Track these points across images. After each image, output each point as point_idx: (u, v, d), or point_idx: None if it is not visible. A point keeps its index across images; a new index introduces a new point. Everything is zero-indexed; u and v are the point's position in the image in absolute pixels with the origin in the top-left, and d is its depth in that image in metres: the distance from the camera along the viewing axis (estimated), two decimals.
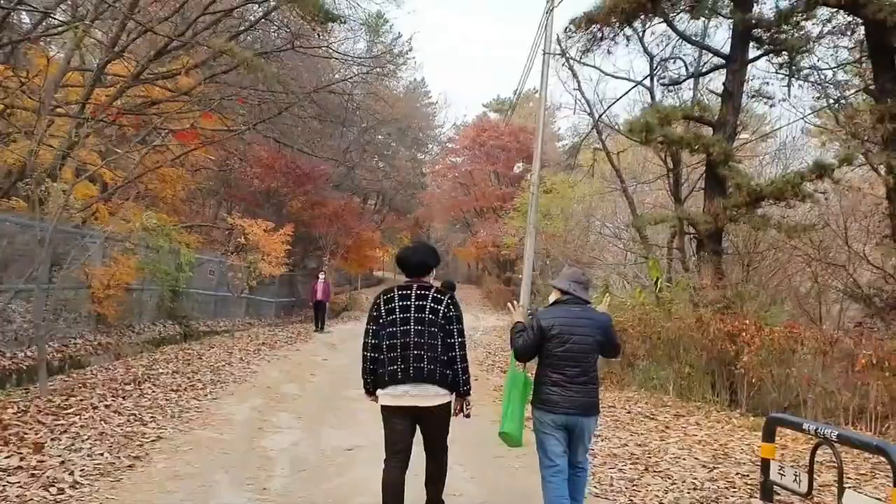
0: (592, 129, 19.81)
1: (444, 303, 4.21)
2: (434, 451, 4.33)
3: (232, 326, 16.57)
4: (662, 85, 14.38)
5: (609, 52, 13.25)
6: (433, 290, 4.27)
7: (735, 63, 12.47)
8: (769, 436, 5.29)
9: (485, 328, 22.44)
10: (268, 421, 7.40)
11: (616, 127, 20.15)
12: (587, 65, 16.97)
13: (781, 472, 5.09)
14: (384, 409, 4.20)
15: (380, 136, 39.05)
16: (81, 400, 7.13)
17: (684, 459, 6.67)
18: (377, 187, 43.39)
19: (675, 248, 17.00)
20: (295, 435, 6.90)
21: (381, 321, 4.23)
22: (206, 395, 8.37)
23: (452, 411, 4.32)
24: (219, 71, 15.67)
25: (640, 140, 12.14)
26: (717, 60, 13.52)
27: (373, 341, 4.24)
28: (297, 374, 11.24)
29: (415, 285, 4.28)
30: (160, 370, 9.84)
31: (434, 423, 4.23)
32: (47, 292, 11.07)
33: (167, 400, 7.77)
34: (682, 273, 14.45)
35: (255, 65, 11.69)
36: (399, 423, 4.17)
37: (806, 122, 18.27)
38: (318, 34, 15.92)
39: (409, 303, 4.19)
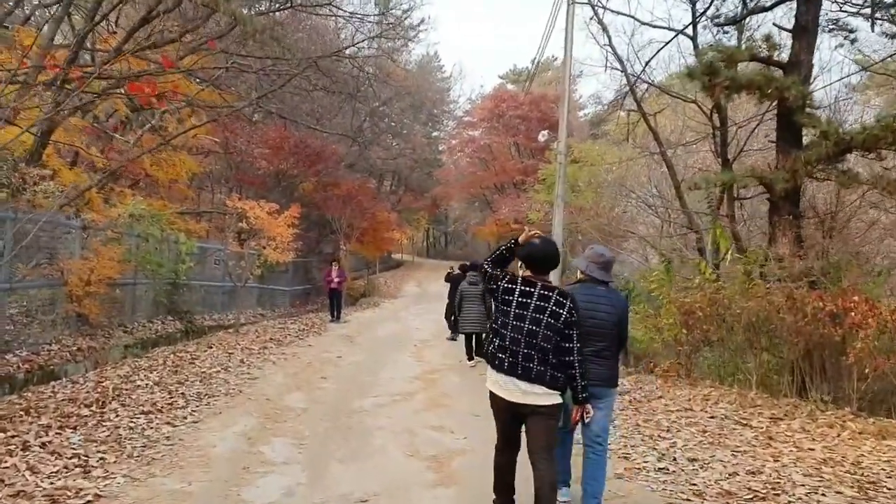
0: (627, 90, 17.82)
1: (567, 307, 4.00)
2: (539, 458, 3.95)
3: (237, 320, 14.90)
4: (717, 25, 12.38)
5: None
6: (556, 293, 4.04)
7: None
8: None
9: None
10: (258, 454, 5.64)
11: (653, 83, 18.19)
12: (621, 13, 15.14)
13: None
14: (490, 394, 4.10)
15: (393, 113, 37.21)
16: (14, 436, 5.42)
17: (823, 495, 4.86)
18: (392, 167, 41.65)
19: (723, 216, 15.20)
20: (291, 476, 5.13)
21: (497, 303, 4.12)
22: (185, 418, 6.62)
23: (571, 417, 4.26)
24: (214, 37, 13.96)
25: (701, 85, 10.20)
26: None
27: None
28: (306, 377, 9.52)
29: (539, 283, 4.07)
30: (138, 382, 8.14)
31: (541, 426, 3.97)
32: (9, 292, 9.55)
33: (131, 428, 6.04)
34: (734, 242, 12.65)
35: (241, 17, 9.91)
36: (506, 418, 4.09)
37: (871, 70, 16.15)
38: None
39: (529, 301, 4.01)
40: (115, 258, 11.27)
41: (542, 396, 3.90)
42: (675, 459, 5.76)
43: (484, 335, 11.68)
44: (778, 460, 5.74)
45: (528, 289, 4.03)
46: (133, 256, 12.46)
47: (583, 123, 39.13)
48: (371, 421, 6.91)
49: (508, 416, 4.03)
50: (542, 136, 22.56)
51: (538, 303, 3.97)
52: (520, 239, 4.20)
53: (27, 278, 10.47)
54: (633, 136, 22.49)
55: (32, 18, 16.21)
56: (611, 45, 17.25)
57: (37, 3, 16.18)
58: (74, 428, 5.84)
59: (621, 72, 17.42)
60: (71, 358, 9.63)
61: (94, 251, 11.08)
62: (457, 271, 15.69)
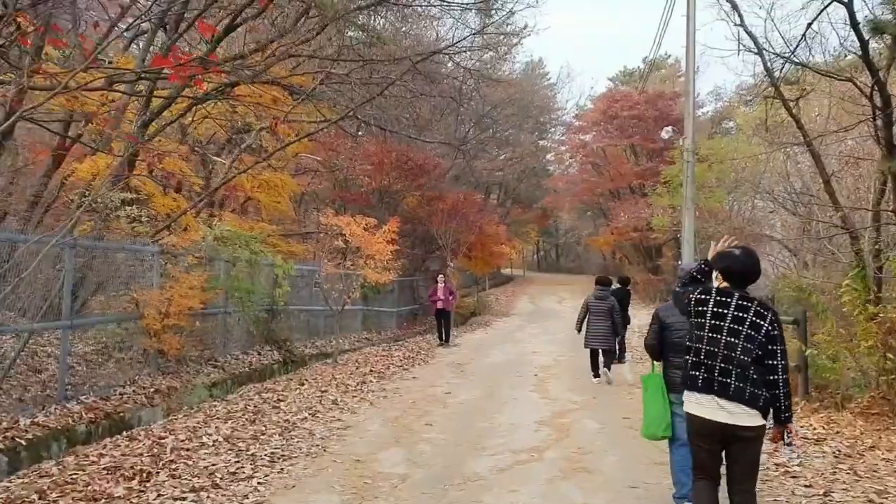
0: (765, 75, 15.33)
1: (768, 319, 3.72)
2: (738, 490, 3.69)
3: (337, 348, 13.57)
4: None
5: None
6: (755, 304, 3.76)
7: None
8: None
9: (640, 328, 18.31)
10: None
11: (804, 63, 15.62)
12: None
13: None
14: (689, 417, 3.83)
15: (498, 121, 35.65)
16: None
17: None
18: (499, 178, 40.11)
19: (889, 212, 12.62)
20: None
21: (689, 317, 3.92)
22: (245, 497, 5.05)
23: (773, 438, 3.86)
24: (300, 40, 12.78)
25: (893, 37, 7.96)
26: None
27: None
28: (407, 424, 7.86)
29: (736, 294, 3.80)
30: (205, 436, 6.73)
31: (744, 449, 3.71)
32: (72, 330, 8.45)
33: None
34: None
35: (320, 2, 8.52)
36: (707, 442, 3.78)
37: None
38: None
39: (725, 311, 3.77)
40: (196, 286, 10.09)
41: (743, 416, 3.64)
42: None
43: (610, 351, 11.26)
44: None
45: (724, 299, 3.81)
46: (221, 283, 11.32)
47: (703, 121, 36.26)
48: (490, 497, 5.12)
49: (711, 439, 3.75)
50: (666, 132, 20.37)
51: (736, 313, 3.75)
52: (716, 248, 4.04)
53: (98, 312, 9.49)
54: (768, 128, 20.04)
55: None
56: (743, 24, 14.91)
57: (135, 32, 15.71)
58: None
59: (756, 54, 14.99)
60: (147, 402, 8.45)
61: (174, 279, 9.95)
62: (616, 285, 13.51)
